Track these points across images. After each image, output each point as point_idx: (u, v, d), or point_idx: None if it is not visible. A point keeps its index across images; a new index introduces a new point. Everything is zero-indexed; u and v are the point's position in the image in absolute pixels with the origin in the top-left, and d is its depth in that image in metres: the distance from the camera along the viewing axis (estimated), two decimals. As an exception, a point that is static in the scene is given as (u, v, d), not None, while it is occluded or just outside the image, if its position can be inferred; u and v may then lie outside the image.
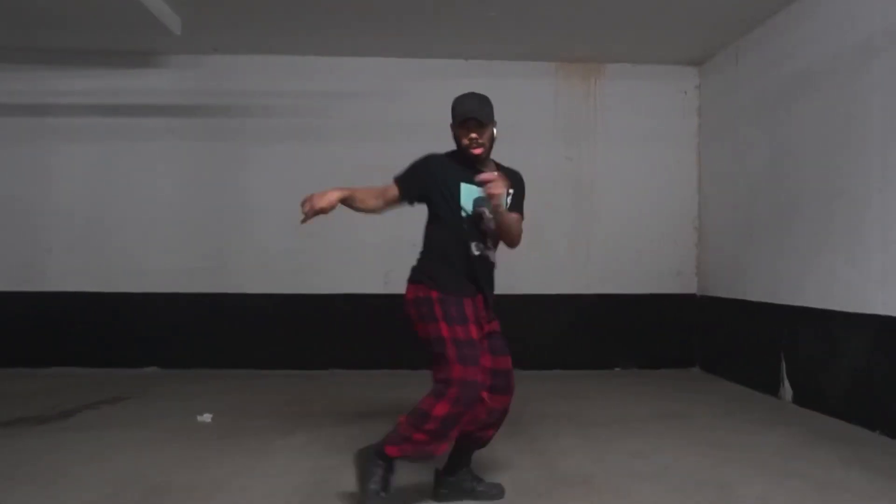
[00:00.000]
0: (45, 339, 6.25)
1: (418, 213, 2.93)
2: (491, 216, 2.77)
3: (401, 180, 2.85)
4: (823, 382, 4.63)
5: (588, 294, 6.48)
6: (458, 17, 5.41)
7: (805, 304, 4.82)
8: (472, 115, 2.73)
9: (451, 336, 2.64)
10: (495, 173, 2.71)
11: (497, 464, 3.36)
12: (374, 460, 2.66)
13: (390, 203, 2.86)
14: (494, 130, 2.81)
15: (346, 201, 2.77)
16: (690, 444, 3.82)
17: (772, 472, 3.34)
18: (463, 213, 2.79)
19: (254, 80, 6.38)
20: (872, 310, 4.15)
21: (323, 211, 2.69)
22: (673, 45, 6.09)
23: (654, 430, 4.15)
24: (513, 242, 2.91)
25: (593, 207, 6.54)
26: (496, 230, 2.82)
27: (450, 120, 2.81)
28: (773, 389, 5.14)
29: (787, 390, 5.00)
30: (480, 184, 2.69)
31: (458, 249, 2.78)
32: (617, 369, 6.44)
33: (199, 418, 4.28)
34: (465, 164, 2.80)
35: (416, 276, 2.81)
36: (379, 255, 6.13)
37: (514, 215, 2.85)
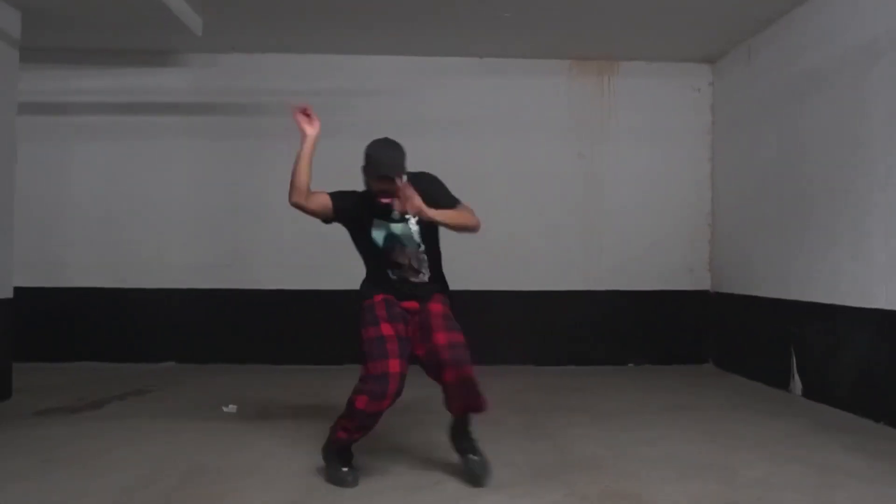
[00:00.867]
0: (65, 335, 6.35)
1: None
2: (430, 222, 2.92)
3: (335, 196, 3.07)
4: (831, 376, 4.71)
5: (601, 290, 6.52)
6: (472, 15, 5.50)
7: (814, 300, 4.91)
8: (385, 173, 2.88)
9: (365, 337, 3.01)
10: (396, 197, 2.86)
11: (512, 448, 3.54)
12: (328, 450, 3.09)
13: (314, 204, 3.02)
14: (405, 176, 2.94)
15: (302, 163, 2.96)
16: (698, 433, 3.94)
17: (774, 457, 3.45)
18: (375, 248, 3.06)
19: (270, 79, 6.44)
20: (877, 304, 4.24)
21: (303, 131, 2.96)
22: (686, 42, 6.14)
23: (664, 420, 4.26)
24: (467, 229, 3.01)
25: (606, 204, 6.57)
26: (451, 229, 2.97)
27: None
28: (783, 384, 5.22)
29: (797, 384, 5.08)
30: (390, 211, 2.92)
31: (378, 275, 3.14)
32: (630, 365, 6.50)
33: (225, 409, 4.45)
34: (376, 202, 2.98)
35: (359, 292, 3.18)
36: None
37: (446, 211, 2.93)
